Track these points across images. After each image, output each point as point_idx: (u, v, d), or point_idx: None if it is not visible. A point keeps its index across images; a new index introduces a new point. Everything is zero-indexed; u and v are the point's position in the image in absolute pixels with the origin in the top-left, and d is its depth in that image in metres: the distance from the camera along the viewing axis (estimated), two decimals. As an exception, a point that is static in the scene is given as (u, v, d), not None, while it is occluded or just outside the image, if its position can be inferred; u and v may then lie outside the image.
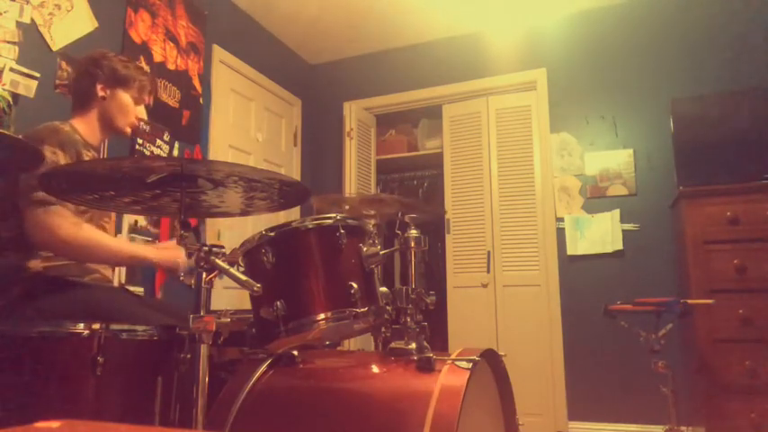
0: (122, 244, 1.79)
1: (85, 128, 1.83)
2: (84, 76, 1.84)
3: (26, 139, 1.47)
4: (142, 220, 2.82)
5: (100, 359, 1.20)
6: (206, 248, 1.17)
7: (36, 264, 1.64)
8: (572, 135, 3.72)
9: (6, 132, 1.09)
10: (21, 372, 1.21)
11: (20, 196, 1.59)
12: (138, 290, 2.69)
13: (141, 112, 1.91)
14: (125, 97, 1.85)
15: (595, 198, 3.60)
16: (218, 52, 3.55)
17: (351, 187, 4.17)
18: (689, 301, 2.62)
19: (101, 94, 1.82)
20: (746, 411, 2.61)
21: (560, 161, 3.72)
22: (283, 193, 1.32)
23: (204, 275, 1.17)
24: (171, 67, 3.15)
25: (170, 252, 1.73)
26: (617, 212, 3.51)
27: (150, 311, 1.65)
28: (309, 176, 4.42)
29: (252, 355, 1.42)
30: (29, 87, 2.32)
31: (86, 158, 1.72)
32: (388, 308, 1.44)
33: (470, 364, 1.25)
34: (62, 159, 1.63)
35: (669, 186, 3.33)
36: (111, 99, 1.84)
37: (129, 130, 1.90)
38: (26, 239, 1.60)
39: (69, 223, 1.59)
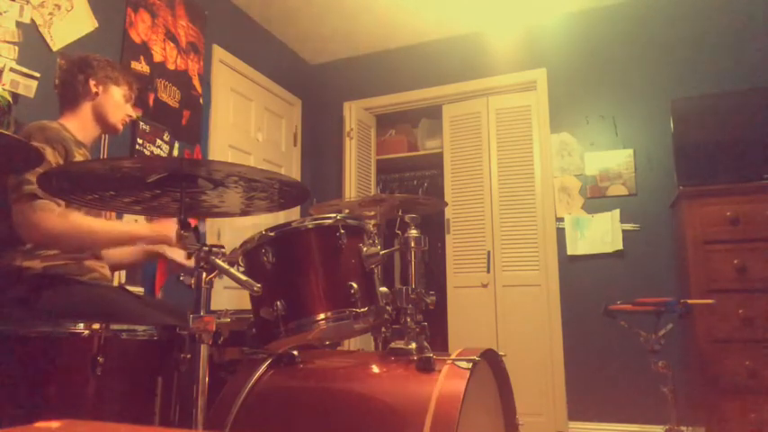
0: (113, 225, 1.78)
1: (77, 125, 1.83)
2: (76, 73, 1.86)
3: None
4: (142, 220, 2.82)
5: (100, 359, 1.20)
6: (206, 248, 1.17)
7: (35, 263, 1.64)
8: (572, 135, 3.72)
9: (5, 132, 1.08)
10: (21, 372, 1.21)
11: (8, 192, 1.59)
12: (138, 290, 2.69)
13: (130, 109, 1.97)
14: (117, 93, 1.91)
15: (595, 198, 3.60)
16: (218, 52, 3.55)
17: (351, 187, 4.17)
18: (689, 301, 2.62)
19: (94, 90, 1.86)
20: (746, 411, 2.61)
21: (560, 161, 3.72)
22: (283, 193, 1.32)
23: (204, 275, 1.17)
24: (171, 67, 3.15)
25: (163, 226, 1.74)
26: (617, 212, 3.51)
27: (150, 311, 1.65)
28: (309, 176, 4.41)
29: (252, 355, 1.42)
30: (29, 87, 2.32)
31: (78, 156, 1.73)
32: (388, 308, 1.44)
33: (470, 365, 1.25)
34: (50, 156, 1.63)
35: (669, 186, 3.33)
36: (105, 94, 1.88)
37: (120, 126, 1.94)
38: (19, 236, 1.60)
39: (55, 215, 1.58)
